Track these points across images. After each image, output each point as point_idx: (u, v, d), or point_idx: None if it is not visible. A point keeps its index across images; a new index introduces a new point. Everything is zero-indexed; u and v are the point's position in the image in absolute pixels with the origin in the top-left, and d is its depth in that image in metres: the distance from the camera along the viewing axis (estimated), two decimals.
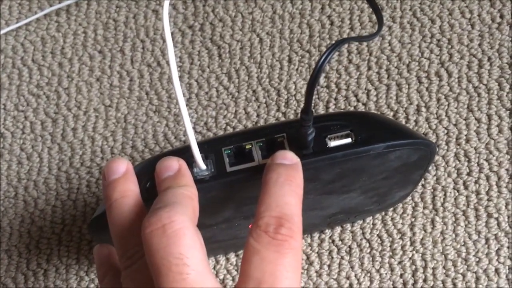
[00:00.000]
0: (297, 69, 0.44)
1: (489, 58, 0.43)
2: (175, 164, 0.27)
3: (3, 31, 0.45)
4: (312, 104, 0.27)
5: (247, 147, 0.29)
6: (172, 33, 0.45)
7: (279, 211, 0.25)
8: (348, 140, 0.29)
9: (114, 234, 0.27)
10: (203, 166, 0.28)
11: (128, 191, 0.27)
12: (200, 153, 0.28)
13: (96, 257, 0.31)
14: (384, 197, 0.38)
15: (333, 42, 0.44)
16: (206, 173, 0.28)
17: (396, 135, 0.31)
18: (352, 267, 0.41)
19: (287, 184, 0.26)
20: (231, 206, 0.32)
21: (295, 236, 0.25)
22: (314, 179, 0.30)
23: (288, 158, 0.27)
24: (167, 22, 0.27)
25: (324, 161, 0.29)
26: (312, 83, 0.26)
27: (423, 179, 0.42)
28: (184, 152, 0.28)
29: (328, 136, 0.29)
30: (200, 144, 0.28)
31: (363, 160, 0.30)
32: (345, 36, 0.44)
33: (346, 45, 0.44)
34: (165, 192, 0.26)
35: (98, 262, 0.30)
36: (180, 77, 0.44)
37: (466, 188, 0.42)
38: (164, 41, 0.44)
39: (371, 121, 0.32)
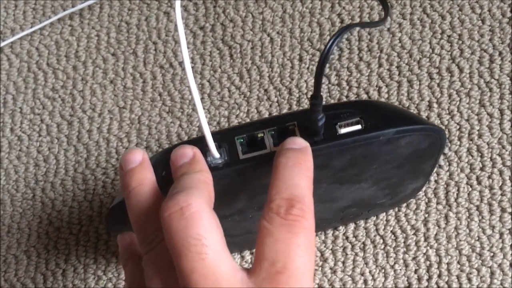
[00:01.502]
0: (308, 68, 0.44)
1: (500, 53, 0.43)
2: (189, 151, 0.28)
3: (18, 36, 0.46)
4: (321, 91, 0.28)
5: (259, 135, 0.30)
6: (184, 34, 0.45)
7: (289, 193, 0.26)
8: (358, 126, 0.30)
9: (133, 221, 0.28)
10: (216, 154, 0.29)
11: (145, 179, 0.28)
12: (214, 142, 0.28)
13: (119, 245, 0.32)
14: (396, 189, 0.38)
15: (344, 40, 0.44)
16: (220, 161, 0.29)
17: (406, 121, 0.31)
18: (366, 263, 0.41)
19: (297, 167, 0.27)
20: (244, 195, 0.32)
21: (306, 216, 0.25)
22: (325, 166, 0.31)
23: (297, 143, 0.28)
24: (179, 14, 0.28)
25: (335, 147, 0.29)
26: (320, 69, 0.27)
27: (435, 174, 0.42)
28: (198, 142, 0.29)
29: (338, 123, 0.30)
30: (214, 134, 0.29)
31: (374, 146, 0.30)
32: (355, 33, 0.44)
33: (357, 43, 0.44)
34: (181, 178, 0.27)
35: (121, 250, 0.31)
36: None
37: (479, 183, 0.42)
38: (176, 42, 0.45)
39: (381, 108, 0.32)
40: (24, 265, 0.43)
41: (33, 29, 0.46)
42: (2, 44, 0.46)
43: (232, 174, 0.29)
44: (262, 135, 0.30)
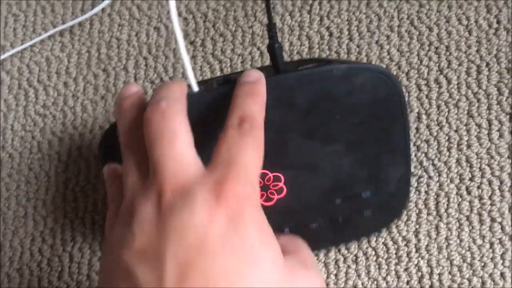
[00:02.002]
0: None
1: (487, 64, 0.44)
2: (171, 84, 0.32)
3: (8, 54, 0.46)
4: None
5: (233, 77, 0.33)
6: (174, 49, 0.46)
7: (242, 113, 0.30)
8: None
9: (122, 136, 0.31)
10: (196, 88, 0.32)
11: (136, 100, 0.32)
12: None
13: (105, 174, 0.34)
14: (375, 170, 0.38)
15: (333, 53, 0.45)
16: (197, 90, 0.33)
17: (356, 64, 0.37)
18: (359, 276, 0.41)
19: (249, 95, 0.31)
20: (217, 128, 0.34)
21: (257, 128, 0.30)
22: (289, 104, 0.35)
23: (252, 75, 0.32)
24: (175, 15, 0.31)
25: (292, 79, 0.34)
26: None
27: (426, 186, 0.42)
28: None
29: (299, 67, 0.35)
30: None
31: (329, 82, 0.35)
32: (344, 46, 0.45)
33: (345, 56, 0.44)
34: (162, 86, 0.31)
35: (106, 177, 0.34)
36: None
37: (469, 193, 0.42)
38: (166, 57, 0.45)
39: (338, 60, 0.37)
40: (17, 283, 0.43)
41: (23, 46, 0.46)
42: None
43: (207, 99, 0.33)
44: (236, 76, 0.34)
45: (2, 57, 0.46)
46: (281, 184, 0.39)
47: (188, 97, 0.31)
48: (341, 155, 0.38)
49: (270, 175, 0.39)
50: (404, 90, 0.44)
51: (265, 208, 0.38)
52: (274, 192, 0.39)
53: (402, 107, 0.37)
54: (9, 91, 0.46)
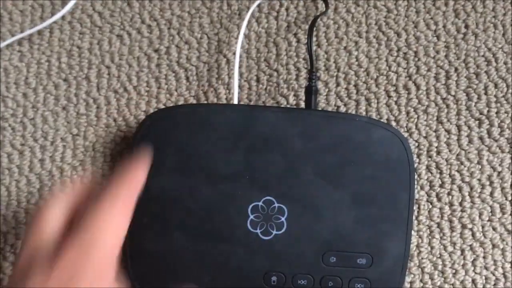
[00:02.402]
0: (265, 89, 0.44)
1: (456, 69, 0.43)
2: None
3: None
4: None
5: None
6: (138, 57, 0.44)
7: None
8: None
9: None
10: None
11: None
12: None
13: None
14: (375, 236, 0.38)
15: (301, 59, 0.44)
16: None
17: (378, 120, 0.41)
18: None
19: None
20: (242, 147, 0.38)
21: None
22: (312, 137, 0.38)
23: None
24: None
25: (319, 116, 0.39)
26: (309, 47, 0.41)
27: None
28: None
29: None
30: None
31: (351, 127, 0.38)
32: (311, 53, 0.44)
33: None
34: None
35: None
36: (148, 102, 0.44)
37: (439, 200, 0.42)
38: (130, 65, 0.44)
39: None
40: None
41: None
42: None
43: (241, 109, 0.39)
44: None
45: None
46: (283, 219, 0.38)
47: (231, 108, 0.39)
48: (346, 207, 0.38)
49: (276, 204, 0.38)
50: (373, 97, 0.43)
51: (261, 243, 0.37)
52: (274, 226, 0.38)
53: (411, 175, 0.39)
54: None
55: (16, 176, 0.43)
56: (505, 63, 0.43)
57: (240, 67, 0.44)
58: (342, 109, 0.43)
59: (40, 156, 0.43)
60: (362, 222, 0.38)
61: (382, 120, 0.43)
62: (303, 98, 0.43)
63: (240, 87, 0.44)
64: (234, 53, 0.44)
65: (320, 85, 0.43)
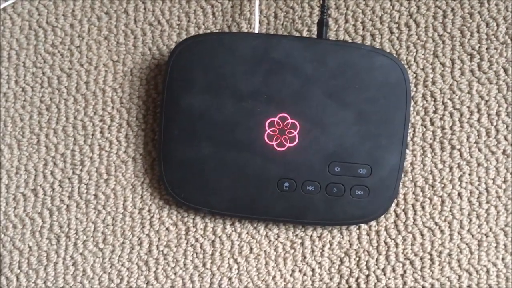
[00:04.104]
0: (282, 24, 0.49)
1: (452, 9, 0.49)
2: None
3: None
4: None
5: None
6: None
7: None
8: None
9: None
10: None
11: None
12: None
13: None
14: (374, 150, 0.44)
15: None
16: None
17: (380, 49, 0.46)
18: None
19: None
20: (261, 70, 0.44)
21: None
22: (322, 62, 0.44)
23: None
24: None
25: (329, 44, 0.45)
26: None
27: None
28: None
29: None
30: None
31: (357, 55, 0.44)
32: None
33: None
34: None
35: None
36: (178, 34, 0.50)
37: (432, 124, 0.48)
38: (163, 1, 0.50)
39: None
40: (32, 201, 0.48)
41: None
42: (4, 5, 0.50)
43: (262, 38, 0.45)
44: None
45: (13, 0, 0.50)
46: (295, 133, 0.44)
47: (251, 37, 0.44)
48: (350, 124, 0.45)
49: (289, 120, 0.44)
50: (377, 33, 0.49)
51: (276, 153, 0.44)
52: (288, 139, 0.44)
53: (407, 98, 0.45)
54: (20, 31, 0.50)
55: (65, 95, 0.49)
56: (496, 4, 0.48)
57: (260, 4, 0.50)
58: None
59: (85, 79, 0.49)
60: (364, 137, 0.44)
61: None
62: (315, 33, 0.49)
63: (260, 22, 0.49)
64: None
65: (330, 21, 0.49)
